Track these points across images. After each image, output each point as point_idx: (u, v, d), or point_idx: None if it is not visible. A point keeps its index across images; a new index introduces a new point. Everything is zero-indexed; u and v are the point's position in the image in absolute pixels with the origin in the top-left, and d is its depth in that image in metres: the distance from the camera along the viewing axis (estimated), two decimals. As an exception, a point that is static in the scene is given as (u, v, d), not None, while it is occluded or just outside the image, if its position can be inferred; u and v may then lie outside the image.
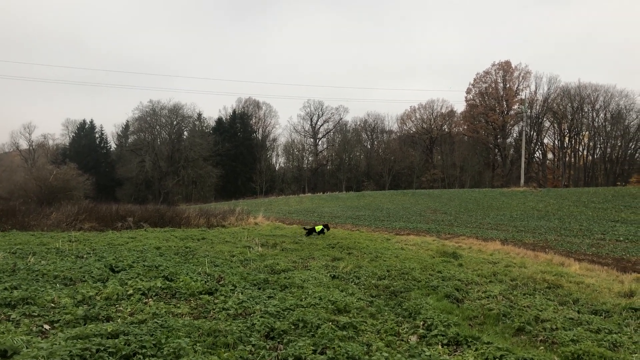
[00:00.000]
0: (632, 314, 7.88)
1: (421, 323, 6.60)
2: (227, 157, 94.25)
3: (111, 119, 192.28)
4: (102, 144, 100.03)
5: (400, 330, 6.34)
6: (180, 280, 7.84)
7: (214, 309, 6.52)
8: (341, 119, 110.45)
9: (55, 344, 4.50)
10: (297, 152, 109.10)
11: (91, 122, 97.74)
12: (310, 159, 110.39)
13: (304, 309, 6.68)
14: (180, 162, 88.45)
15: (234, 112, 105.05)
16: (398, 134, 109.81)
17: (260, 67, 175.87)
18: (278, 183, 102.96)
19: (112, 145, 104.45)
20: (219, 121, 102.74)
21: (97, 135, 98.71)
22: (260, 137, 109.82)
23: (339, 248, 14.92)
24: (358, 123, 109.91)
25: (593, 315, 7.74)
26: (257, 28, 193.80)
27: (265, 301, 7.01)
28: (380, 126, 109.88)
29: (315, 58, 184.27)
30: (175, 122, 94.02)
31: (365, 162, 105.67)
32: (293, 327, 5.90)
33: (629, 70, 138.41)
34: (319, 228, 19.21)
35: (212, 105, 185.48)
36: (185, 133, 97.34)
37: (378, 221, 30.46)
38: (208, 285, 7.73)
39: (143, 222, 21.59)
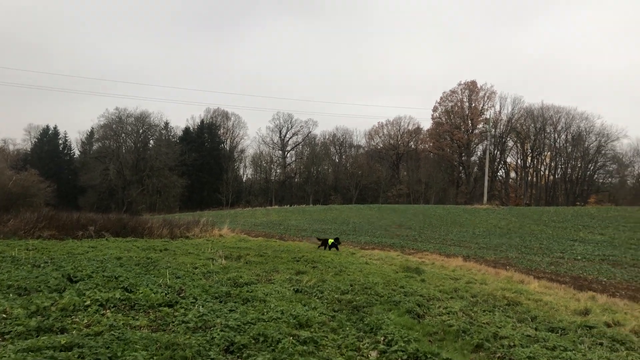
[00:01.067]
0: (586, 331, 8.06)
1: (382, 338, 6.63)
2: (194, 167, 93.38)
3: (76, 126, 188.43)
4: (66, 151, 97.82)
5: (361, 346, 6.34)
6: (140, 291, 7.69)
7: (173, 322, 6.42)
8: (310, 132, 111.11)
9: (5, 356, 4.36)
10: (265, 164, 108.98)
11: (55, 128, 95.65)
12: (278, 171, 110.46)
13: (266, 323, 6.63)
14: (145, 171, 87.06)
15: (202, 122, 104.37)
16: (366, 149, 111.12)
17: (231, 78, 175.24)
18: (245, 195, 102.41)
19: (76, 152, 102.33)
20: (186, 131, 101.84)
21: (60, 142, 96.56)
22: (228, 148, 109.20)
23: (304, 261, 14.87)
24: (327, 137, 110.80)
25: (550, 333, 7.87)
26: (229, 39, 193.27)
27: (226, 314, 6.93)
28: (348, 141, 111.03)
29: (286, 71, 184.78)
30: (141, 131, 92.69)
31: (333, 176, 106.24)
32: (253, 341, 5.85)
33: (589, 94, 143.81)
34: (330, 241, 19.58)
35: (180, 115, 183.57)
36: (152, 142, 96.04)
37: (344, 235, 30.52)
38: (168, 297, 7.60)
39: (104, 232, 21.09)
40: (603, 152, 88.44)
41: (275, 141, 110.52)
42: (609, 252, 21.84)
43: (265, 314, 7.22)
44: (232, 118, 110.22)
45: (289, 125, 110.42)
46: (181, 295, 7.99)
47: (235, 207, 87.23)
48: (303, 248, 19.97)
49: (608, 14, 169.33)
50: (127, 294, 7.52)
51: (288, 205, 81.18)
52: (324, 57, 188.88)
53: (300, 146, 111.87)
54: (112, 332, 5.48)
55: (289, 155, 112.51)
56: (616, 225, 32.54)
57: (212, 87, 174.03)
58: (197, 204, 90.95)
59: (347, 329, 7.09)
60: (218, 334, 5.86)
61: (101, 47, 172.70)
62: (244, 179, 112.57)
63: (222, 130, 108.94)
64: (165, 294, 7.76)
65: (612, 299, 11.71)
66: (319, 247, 19.80)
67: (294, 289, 9.79)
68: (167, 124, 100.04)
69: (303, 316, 7.17)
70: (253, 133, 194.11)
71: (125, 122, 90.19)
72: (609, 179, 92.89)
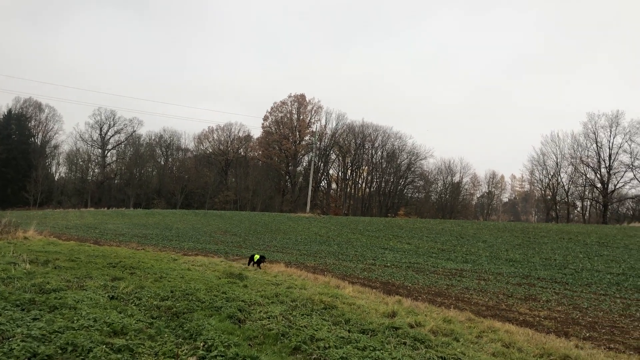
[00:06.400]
0: (393, 332, 8.76)
1: (201, 344, 6.55)
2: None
3: None
4: None
5: (180, 352, 6.20)
6: None
7: (-38, 335, 5.66)
8: (135, 131, 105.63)
9: None
10: (81, 163, 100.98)
11: None
12: (96, 170, 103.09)
13: (75, 331, 6.15)
14: None
15: (10, 112, 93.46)
16: (194, 153, 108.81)
17: (47, 67, 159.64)
18: (56, 195, 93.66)
19: None
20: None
21: None
22: (39, 143, 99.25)
23: (121, 267, 14.05)
24: (153, 138, 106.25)
25: (361, 334, 8.37)
26: (47, 24, 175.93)
27: (29, 323, 6.28)
28: (176, 143, 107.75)
29: (110, 66, 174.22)
30: None
31: (157, 179, 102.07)
32: (60, 351, 5.40)
33: (402, 115, 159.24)
34: (256, 257, 18.41)
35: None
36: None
37: (166, 240, 29.53)
38: (-43, 307, 6.68)
39: None
40: (412, 169, 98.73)
41: (94, 138, 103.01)
42: (414, 259, 24.09)
43: (75, 321, 6.69)
44: (46, 110, 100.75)
45: (111, 123, 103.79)
46: (-27, 304, 7.07)
47: (44, 207, 79.65)
48: (121, 253, 18.87)
49: (412, 47, 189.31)
50: None
51: (106, 208, 76.39)
52: (153, 57, 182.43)
53: (123, 145, 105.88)
54: None
55: (109, 154, 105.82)
56: (421, 235, 36.11)
57: (24, 74, 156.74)
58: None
59: (166, 335, 6.88)
60: (18, 345, 5.30)
61: None
62: (56, 178, 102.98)
63: (33, 123, 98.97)
64: (-47, 304, 6.80)
65: (415, 302, 12.91)
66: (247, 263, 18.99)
67: (109, 296, 9.21)
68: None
69: (118, 323, 6.80)
70: (70, 128, 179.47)
71: None
72: (417, 194, 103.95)
